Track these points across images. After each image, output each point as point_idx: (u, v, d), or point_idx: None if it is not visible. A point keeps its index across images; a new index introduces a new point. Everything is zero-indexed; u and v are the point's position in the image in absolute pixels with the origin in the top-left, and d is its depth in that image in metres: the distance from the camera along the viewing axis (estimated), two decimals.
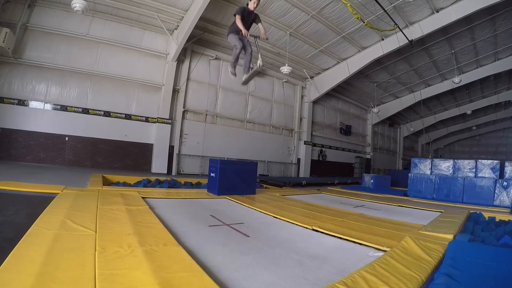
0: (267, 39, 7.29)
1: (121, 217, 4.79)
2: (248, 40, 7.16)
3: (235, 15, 6.84)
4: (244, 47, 7.14)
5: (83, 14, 12.27)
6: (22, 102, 12.98)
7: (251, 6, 6.91)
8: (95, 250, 3.12)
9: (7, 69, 12.76)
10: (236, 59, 7.50)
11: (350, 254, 4.19)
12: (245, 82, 8.02)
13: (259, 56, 7.10)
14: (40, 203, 5.19)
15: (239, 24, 6.67)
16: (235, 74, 7.69)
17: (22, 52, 12.91)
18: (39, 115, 13.34)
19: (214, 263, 3.40)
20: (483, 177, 11.20)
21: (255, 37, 7.27)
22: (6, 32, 11.52)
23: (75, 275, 2.49)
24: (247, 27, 6.89)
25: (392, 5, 14.51)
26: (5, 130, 12.71)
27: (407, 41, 16.14)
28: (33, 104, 13.22)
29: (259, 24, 7.22)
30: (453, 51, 19.81)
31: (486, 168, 11.28)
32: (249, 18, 7.03)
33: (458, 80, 20.71)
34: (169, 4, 13.96)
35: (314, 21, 15.94)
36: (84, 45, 14.19)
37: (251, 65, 7.57)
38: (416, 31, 16.14)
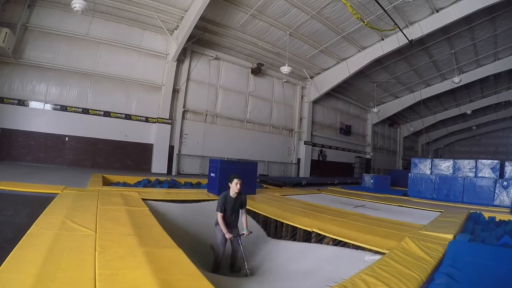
0: (250, 232, 5.43)
1: (121, 217, 4.79)
2: (236, 238, 5.36)
3: (217, 212, 5.34)
4: (231, 248, 5.51)
5: (83, 14, 12.22)
6: (22, 102, 12.97)
7: (234, 188, 5.49)
8: (95, 250, 3.13)
9: (7, 69, 12.75)
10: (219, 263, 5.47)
11: (345, 261, 4.18)
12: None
13: (245, 264, 5.03)
14: (40, 203, 5.19)
15: (221, 224, 5.20)
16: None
17: (22, 52, 12.89)
18: (39, 115, 13.34)
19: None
20: (483, 177, 11.21)
21: (238, 236, 5.35)
22: (6, 32, 11.51)
23: (75, 275, 2.49)
24: (235, 216, 5.52)
25: (392, 5, 14.50)
26: (5, 130, 12.70)
27: (407, 41, 16.13)
28: (33, 104, 13.21)
29: (243, 211, 5.60)
30: (453, 51, 19.80)
31: (486, 168, 11.29)
32: (235, 204, 5.50)
33: (458, 80, 20.71)
34: (169, 4, 13.95)
35: (314, 21, 15.94)
36: (84, 45, 14.18)
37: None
38: (416, 31, 16.14)
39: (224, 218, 5.25)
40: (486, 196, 10.87)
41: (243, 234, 5.23)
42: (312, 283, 3.37)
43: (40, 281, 2.30)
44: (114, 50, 14.90)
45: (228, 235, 5.11)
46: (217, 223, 5.36)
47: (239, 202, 5.52)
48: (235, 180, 5.47)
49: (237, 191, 5.46)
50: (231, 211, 5.40)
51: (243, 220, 5.51)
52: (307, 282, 3.43)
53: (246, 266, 5.01)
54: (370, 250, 4.42)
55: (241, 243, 5.27)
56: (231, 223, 5.36)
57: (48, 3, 13.19)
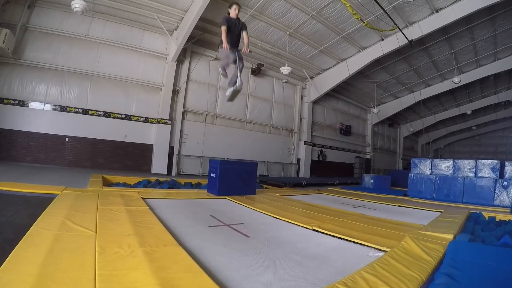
0: (250, 51, 6.65)
1: (121, 217, 4.79)
2: (236, 53, 6.52)
3: (221, 27, 6.34)
4: (234, 60, 6.65)
5: (82, 15, 12.25)
6: (22, 103, 12.99)
7: (233, 14, 6.43)
8: (95, 251, 3.13)
9: (7, 69, 12.77)
10: (225, 69, 6.92)
11: (350, 254, 4.19)
12: (229, 99, 7.18)
13: (239, 75, 6.41)
14: (40, 203, 5.19)
15: (223, 36, 6.21)
16: (226, 75, 7.10)
17: (22, 53, 12.91)
18: (39, 115, 13.35)
19: (214, 264, 3.40)
20: (483, 177, 11.18)
21: (237, 50, 6.51)
22: (6, 33, 11.51)
23: (75, 275, 2.49)
24: (236, 37, 6.53)
25: (392, 5, 14.50)
26: (5, 131, 12.72)
27: (407, 41, 16.16)
28: (33, 104, 13.22)
29: (244, 32, 6.67)
30: (452, 51, 19.80)
31: (486, 168, 11.26)
32: (236, 27, 6.49)
33: (458, 80, 20.72)
34: (168, 4, 13.97)
35: (314, 21, 15.95)
36: (84, 46, 14.20)
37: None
38: (415, 31, 16.14)
39: (227, 36, 6.30)
40: (486, 196, 10.84)
41: (242, 50, 6.48)
42: (325, 274, 3.36)
43: (40, 282, 2.30)
44: (114, 50, 14.91)
45: (225, 44, 6.19)
46: (219, 44, 6.48)
47: (240, 24, 6.56)
48: (234, 6, 6.48)
49: (236, 13, 6.46)
50: (233, 30, 6.43)
51: (245, 39, 6.61)
52: (320, 273, 3.42)
53: (239, 78, 6.41)
54: (372, 248, 4.43)
55: (240, 58, 6.50)
56: (233, 44, 6.41)
57: (48, 4, 13.20)
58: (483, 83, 25.70)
